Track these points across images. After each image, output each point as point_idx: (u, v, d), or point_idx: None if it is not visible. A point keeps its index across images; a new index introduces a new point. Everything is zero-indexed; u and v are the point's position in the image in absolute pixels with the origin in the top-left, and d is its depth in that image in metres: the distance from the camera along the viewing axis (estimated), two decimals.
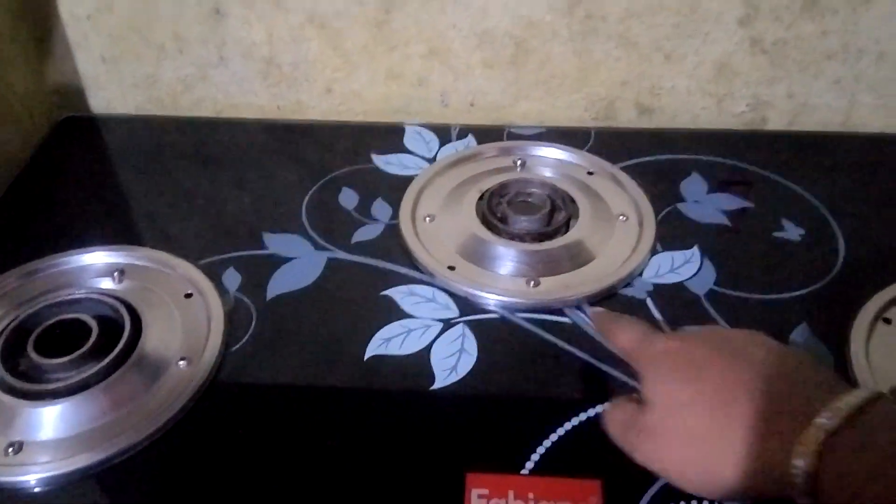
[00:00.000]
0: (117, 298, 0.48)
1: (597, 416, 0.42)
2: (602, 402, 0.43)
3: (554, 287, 0.50)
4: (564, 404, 0.43)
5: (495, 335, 0.48)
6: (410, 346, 0.47)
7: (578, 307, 0.49)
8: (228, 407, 0.44)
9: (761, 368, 0.33)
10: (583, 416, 0.42)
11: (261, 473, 0.40)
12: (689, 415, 0.33)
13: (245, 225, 0.57)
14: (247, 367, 0.46)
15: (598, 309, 0.48)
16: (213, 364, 0.45)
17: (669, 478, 0.34)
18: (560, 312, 0.49)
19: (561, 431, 0.41)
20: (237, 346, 0.47)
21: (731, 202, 0.58)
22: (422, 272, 0.52)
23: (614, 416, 0.37)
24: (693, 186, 0.60)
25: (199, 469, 0.41)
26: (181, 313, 0.49)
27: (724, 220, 0.56)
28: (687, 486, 0.33)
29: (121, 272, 0.51)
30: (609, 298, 0.50)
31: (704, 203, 0.58)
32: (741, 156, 0.63)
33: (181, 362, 0.46)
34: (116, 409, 0.43)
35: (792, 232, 0.55)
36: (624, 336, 0.39)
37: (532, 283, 0.50)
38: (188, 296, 0.50)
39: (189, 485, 0.40)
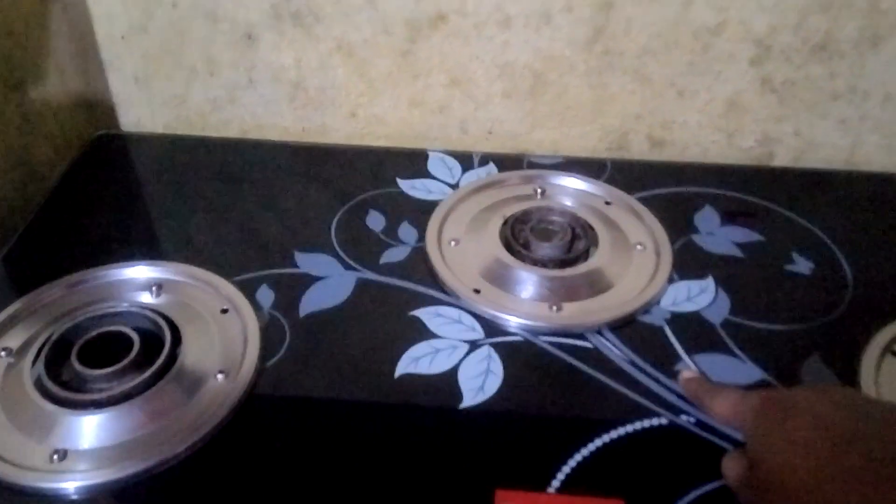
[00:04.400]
0: (157, 312, 0.50)
1: (620, 437, 0.44)
2: (626, 423, 0.45)
3: (575, 312, 0.52)
4: (588, 425, 0.45)
5: (520, 357, 0.50)
6: (439, 366, 0.49)
7: (599, 332, 0.51)
8: (265, 420, 0.46)
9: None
10: (605, 438, 0.44)
11: (295, 486, 0.42)
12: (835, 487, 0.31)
13: (277, 243, 0.59)
14: (282, 381, 0.48)
15: (690, 374, 0.48)
16: (251, 378, 0.47)
17: None
18: (582, 337, 0.51)
19: (585, 452, 0.43)
20: (272, 360, 0.49)
21: (744, 235, 0.61)
22: (448, 294, 0.54)
23: (731, 466, 0.39)
24: (706, 219, 0.62)
25: (236, 481, 0.42)
26: (218, 328, 0.50)
27: (737, 252, 0.59)
28: None
29: (159, 286, 0.53)
30: (628, 325, 0.52)
31: (717, 235, 0.61)
32: (750, 190, 0.65)
33: (219, 375, 0.47)
34: (156, 421, 0.45)
35: (802, 265, 0.58)
36: (721, 401, 0.41)
37: (554, 307, 0.52)
38: (224, 311, 0.52)
39: (226, 497, 0.42)
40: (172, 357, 0.48)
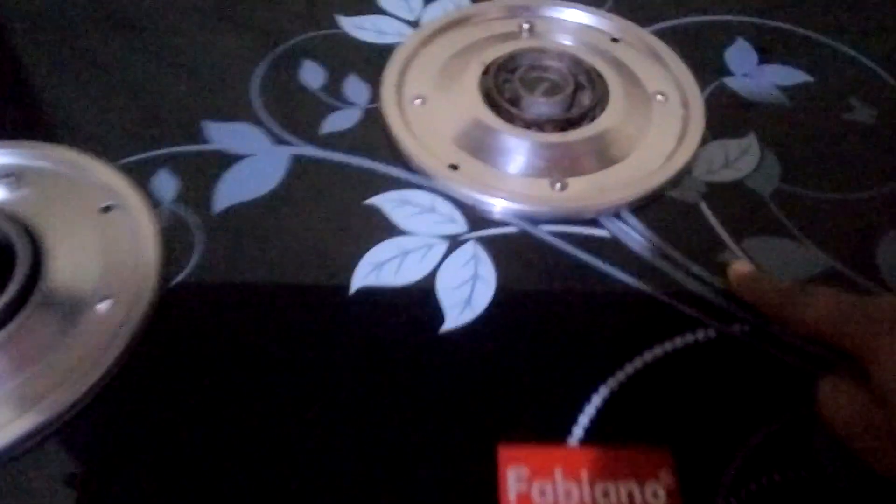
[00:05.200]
0: (9, 215, 0.36)
1: (656, 360, 0.33)
2: (663, 340, 0.33)
3: (585, 190, 0.40)
4: (612, 346, 0.34)
5: (516, 254, 0.37)
6: (409, 274, 0.36)
7: (617, 215, 0.39)
8: (169, 363, 0.33)
9: None
10: (638, 363, 0.33)
11: (215, 444, 0.30)
12: None
13: (179, 111, 0.43)
14: (192, 307, 0.35)
15: (743, 266, 0.35)
16: (147, 305, 0.34)
17: None
18: (595, 223, 0.39)
19: (613, 384, 0.32)
20: (177, 278, 0.36)
21: (788, 76, 0.47)
22: (415, 172, 0.40)
23: (836, 401, 0.27)
24: (740, 55, 0.48)
25: (134, 442, 0.30)
26: (98, 234, 0.37)
27: (782, 99, 0.46)
28: None
29: (13, 177, 0.39)
30: (653, 203, 0.40)
31: (755, 76, 0.47)
32: (793, 16, 0.51)
33: (104, 303, 0.34)
34: (18, 372, 0.32)
35: (862, 113, 0.45)
36: (811, 307, 0.29)
37: (557, 185, 0.39)
38: (106, 209, 0.38)
39: (124, 463, 0.30)
40: (33, 279, 0.34)
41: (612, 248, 0.38)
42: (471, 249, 0.37)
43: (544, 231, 0.38)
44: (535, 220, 0.39)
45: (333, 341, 0.34)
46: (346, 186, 0.40)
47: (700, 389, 0.32)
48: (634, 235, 0.38)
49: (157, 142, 0.41)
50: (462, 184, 0.39)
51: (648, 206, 0.39)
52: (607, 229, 0.38)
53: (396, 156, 0.41)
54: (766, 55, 0.48)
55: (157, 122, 0.43)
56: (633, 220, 0.39)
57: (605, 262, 0.37)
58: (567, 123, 0.41)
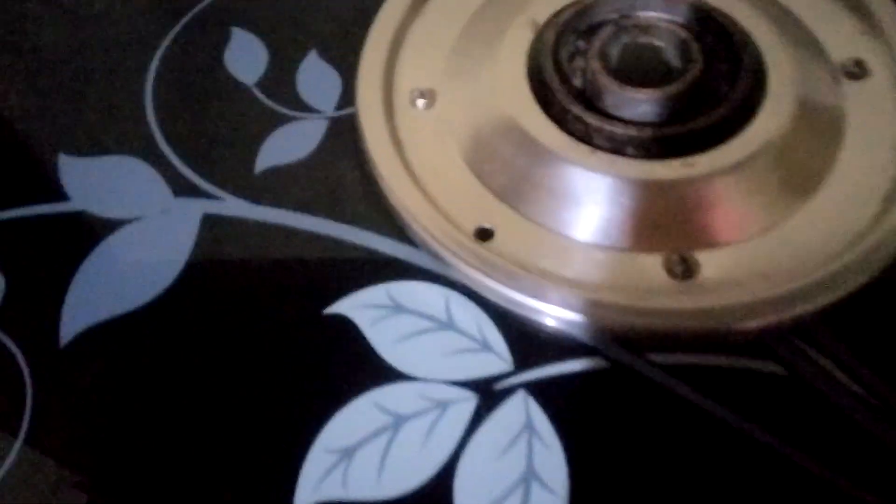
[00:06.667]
0: None
1: None
2: None
3: (732, 277, 0.21)
4: None
5: (608, 419, 0.20)
6: (402, 471, 0.19)
7: (803, 332, 0.20)
8: None
9: None
10: None
11: None
12: None
13: (24, 140, 0.26)
14: None
15: None
16: None
17: None
18: (759, 350, 0.20)
19: None
20: None
21: None
22: (417, 246, 0.23)
23: None
24: None
25: None
26: None
27: None
28: None
29: None
30: (863, 304, 0.21)
31: None
32: None
33: None
34: None
35: None
36: None
37: (678, 266, 0.21)
38: None
39: None
40: None
41: (796, 405, 0.20)
42: (520, 410, 0.20)
43: (659, 368, 0.20)
44: (642, 344, 0.21)
45: None
46: (294, 278, 0.22)
47: None
48: (840, 376, 0.20)
49: None
50: (501, 270, 0.21)
51: (855, 311, 0.21)
52: (785, 361, 0.20)
53: (383, 214, 0.23)
54: None
55: None
56: (831, 340, 0.20)
57: (782, 430, 0.19)
58: (693, 140, 0.22)
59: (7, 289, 0.22)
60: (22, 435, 0.20)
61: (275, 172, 0.24)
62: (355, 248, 0.23)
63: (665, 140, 0.22)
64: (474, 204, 0.23)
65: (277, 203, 0.24)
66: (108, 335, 0.21)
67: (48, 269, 0.23)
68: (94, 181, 0.24)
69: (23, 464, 0.19)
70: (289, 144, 0.25)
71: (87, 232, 0.24)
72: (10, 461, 0.19)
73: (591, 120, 0.23)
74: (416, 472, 0.19)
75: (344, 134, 0.25)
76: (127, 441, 0.20)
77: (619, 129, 0.22)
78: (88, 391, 0.21)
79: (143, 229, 0.24)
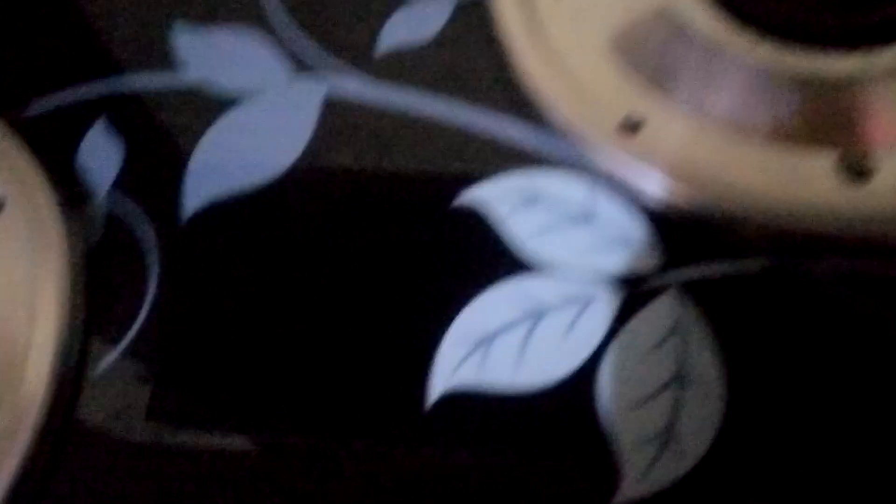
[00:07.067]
0: None
1: None
2: None
3: None
4: None
5: (769, 324, 0.18)
6: (539, 366, 0.18)
7: None
8: None
9: None
10: None
11: None
12: None
13: (139, 7, 0.25)
14: (126, 401, 0.18)
15: None
16: (41, 408, 0.18)
17: None
18: None
19: None
20: (109, 357, 0.19)
21: None
22: (557, 137, 0.21)
23: None
24: None
25: None
26: None
27: None
28: None
29: None
30: None
31: None
32: None
33: None
34: None
35: None
36: None
37: (853, 167, 0.19)
38: None
39: None
40: None
41: None
42: (672, 309, 0.18)
43: (832, 270, 0.18)
44: (806, 247, 0.19)
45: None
46: (420, 163, 0.21)
47: None
48: None
49: (81, 71, 0.23)
50: (652, 161, 0.19)
51: None
52: None
53: (518, 100, 0.21)
54: None
55: (81, 34, 0.24)
56: None
57: None
58: (877, 31, 0.20)
59: (127, 154, 0.21)
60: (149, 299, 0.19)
61: (396, 56, 0.23)
62: (489, 134, 0.21)
63: (844, 30, 0.20)
64: (622, 91, 0.21)
65: (399, 81, 0.22)
66: (234, 211, 0.20)
67: (168, 140, 0.22)
68: (212, 52, 0.23)
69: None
70: (413, 29, 0.23)
71: (204, 105, 0.22)
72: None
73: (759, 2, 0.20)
74: (555, 367, 0.18)
75: (471, 20, 0.23)
76: (253, 327, 0.19)
77: (790, 14, 0.20)
78: (211, 266, 0.20)
79: (262, 106, 0.22)
